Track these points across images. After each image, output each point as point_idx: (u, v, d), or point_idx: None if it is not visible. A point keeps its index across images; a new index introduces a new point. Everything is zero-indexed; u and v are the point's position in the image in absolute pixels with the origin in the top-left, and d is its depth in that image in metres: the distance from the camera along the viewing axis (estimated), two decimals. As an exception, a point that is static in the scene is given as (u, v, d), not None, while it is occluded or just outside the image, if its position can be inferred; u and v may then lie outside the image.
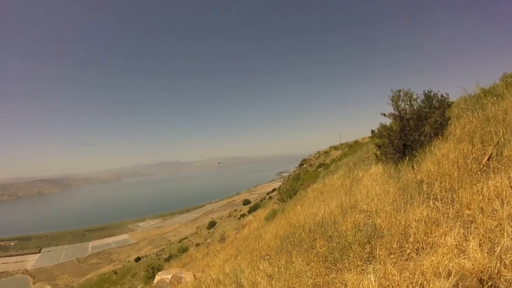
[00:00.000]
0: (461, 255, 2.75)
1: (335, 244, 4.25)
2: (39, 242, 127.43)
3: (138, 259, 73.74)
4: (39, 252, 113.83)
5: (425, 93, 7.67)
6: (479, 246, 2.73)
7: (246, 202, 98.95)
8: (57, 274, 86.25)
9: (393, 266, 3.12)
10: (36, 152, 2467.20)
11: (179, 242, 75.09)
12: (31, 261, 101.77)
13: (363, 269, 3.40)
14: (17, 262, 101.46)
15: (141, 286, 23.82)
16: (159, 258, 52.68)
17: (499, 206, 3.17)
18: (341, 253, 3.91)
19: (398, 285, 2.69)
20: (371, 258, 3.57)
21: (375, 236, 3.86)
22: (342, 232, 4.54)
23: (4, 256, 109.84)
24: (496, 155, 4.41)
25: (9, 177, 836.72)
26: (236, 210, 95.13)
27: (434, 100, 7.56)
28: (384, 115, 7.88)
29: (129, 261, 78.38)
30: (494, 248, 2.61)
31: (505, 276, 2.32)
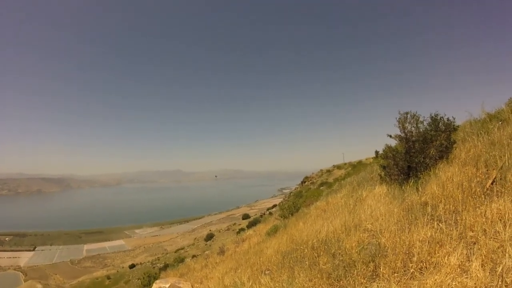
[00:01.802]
0: (464, 274, 2.84)
1: (338, 262, 4.26)
2: (34, 240, 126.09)
3: (132, 266, 72.45)
4: (33, 250, 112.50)
5: (432, 116, 7.77)
6: (482, 266, 2.82)
7: (245, 217, 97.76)
8: (50, 273, 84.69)
9: (397, 284, 3.18)
10: (39, 149, 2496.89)
11: (175, 252, 73.88)
12: (24, 258, 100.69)
13: (366, 287, 3.45)
14: (10, 257, 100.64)
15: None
16: (154, 267, 51.70)
17: (501, 228, 3.26)
18: (344, 270, 3.94)
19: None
20: (374, 276, 3.62)
21: (379, 255, 3.90)
22: (346, 250, 4.57)
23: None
24: (500, 179, 4.50)
25: (10, 172, 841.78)
26: (235, 224, 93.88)
27: (440, 123, 7.64)
28: (390, 136, 7.97)
29: (123, 267, 76.98)
30: (496, 268, 2.71)
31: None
